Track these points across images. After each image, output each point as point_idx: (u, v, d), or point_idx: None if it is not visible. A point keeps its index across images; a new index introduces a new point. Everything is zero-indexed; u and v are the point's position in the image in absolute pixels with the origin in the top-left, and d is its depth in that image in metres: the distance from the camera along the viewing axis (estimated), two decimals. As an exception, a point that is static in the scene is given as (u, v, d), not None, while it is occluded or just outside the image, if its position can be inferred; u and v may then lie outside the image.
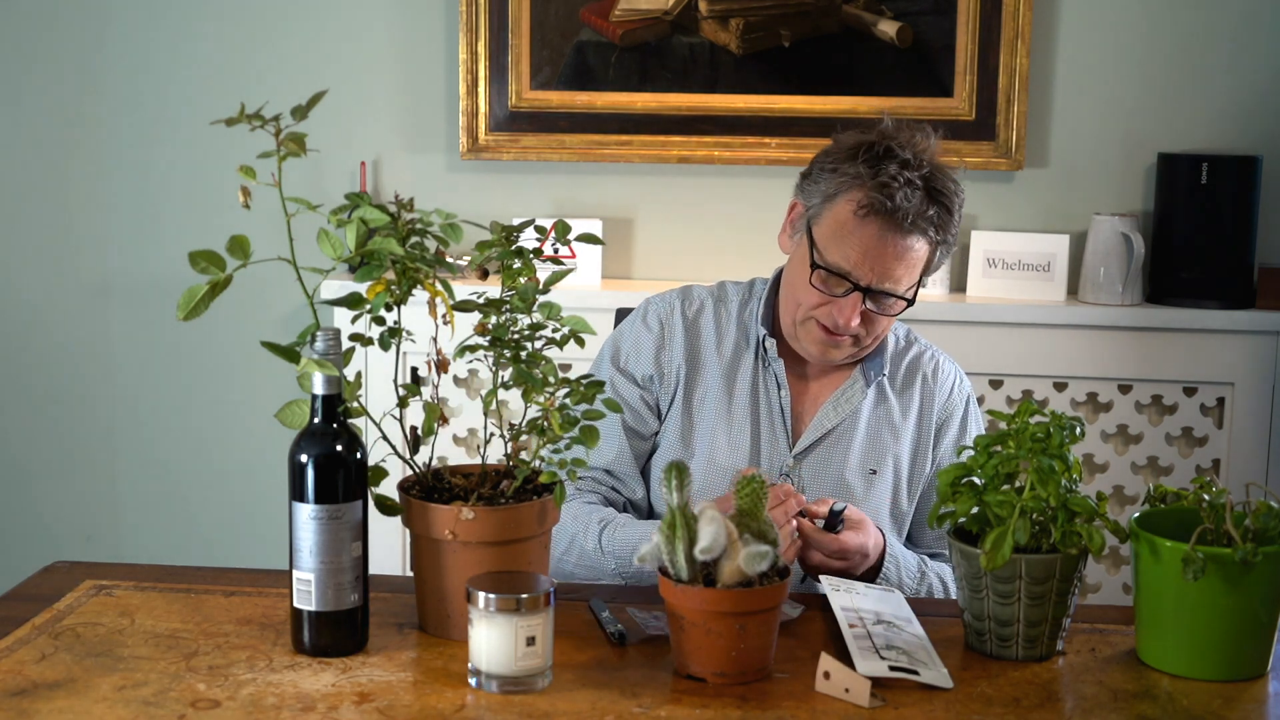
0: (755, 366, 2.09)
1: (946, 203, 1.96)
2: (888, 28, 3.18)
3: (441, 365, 1.67)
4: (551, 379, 1.61)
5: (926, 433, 2.10)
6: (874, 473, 2.06)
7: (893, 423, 2.09)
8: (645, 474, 2.11)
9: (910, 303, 2.00)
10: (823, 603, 1.74)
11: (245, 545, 3.41)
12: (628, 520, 2.00)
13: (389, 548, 2.99)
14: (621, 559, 1.96)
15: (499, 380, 1.63)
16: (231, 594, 1.77)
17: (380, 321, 1.62)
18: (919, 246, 1.96)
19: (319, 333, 1.58)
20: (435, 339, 1.63)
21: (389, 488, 1.65)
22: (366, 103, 3.30)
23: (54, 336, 3.44)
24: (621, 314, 2.31)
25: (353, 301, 1.61)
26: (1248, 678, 1.56)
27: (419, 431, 1.67)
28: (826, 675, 1.50)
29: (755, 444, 2.06)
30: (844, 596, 1.72)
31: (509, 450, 1.66)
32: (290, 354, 1.58)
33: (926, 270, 2.01)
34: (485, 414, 1.64)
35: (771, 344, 2.08)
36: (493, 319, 1.62)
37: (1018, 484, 1.60)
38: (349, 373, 1.61)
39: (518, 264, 1.63)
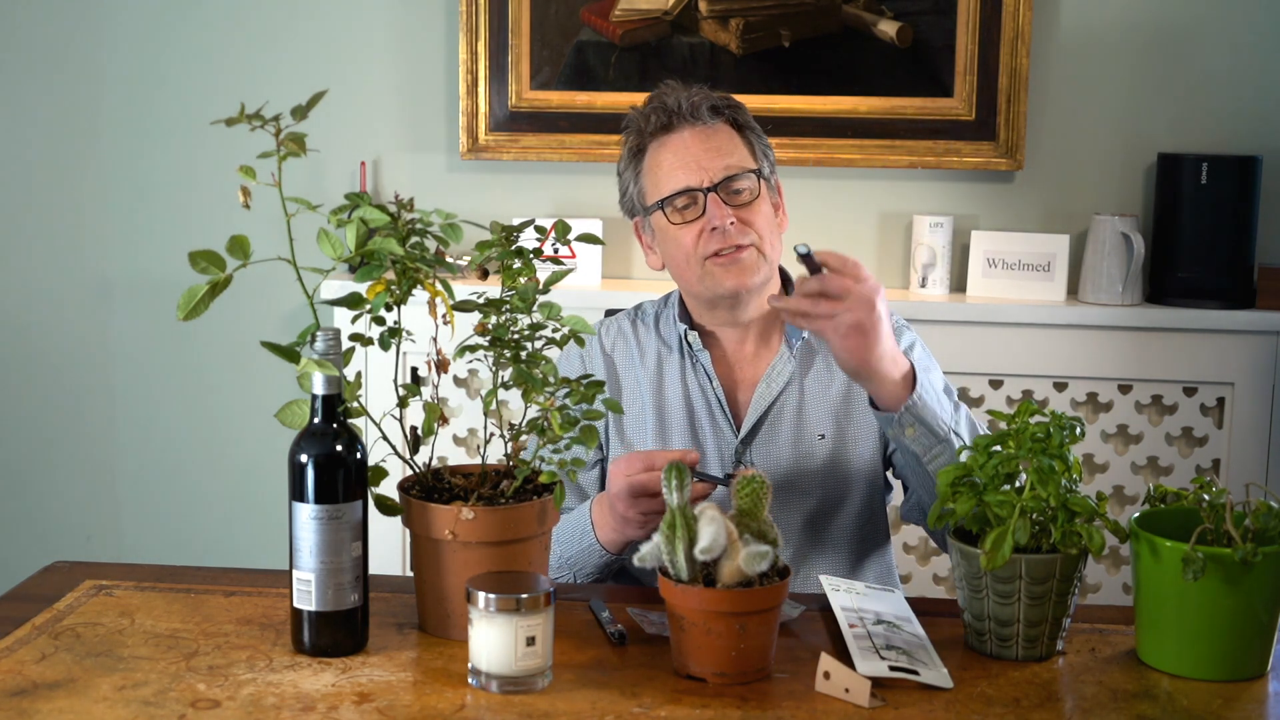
0: (681, 366, 2.11)
1: (721, 94, 2.08)
2: (888, 28, 3.18)
3: (441, 365, 1.67)
4: (551, 379, 1.61)
5: None
6: (823, 437, 2.07)
7: (822, 378, 2.09)
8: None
9: (761, 175, 2.06)
10: (823, 603, 1.74)
11: (245, 545, 3.41)
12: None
13: (389, 548, 2.99)
14: (563, 542, 1.97)
15: (499, 380, 1.63)
16: (231, 594, 1.77)
17: (380, 321, 1.62)
18: (718, 126, 2.06)
19: (319, 333, 1.58)
20: (435, 339, 1.63)
21: (389, 488, 1.65)
22: (366, 103, 3.30)
23: (54, 336, 3.44)
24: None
25: (353, 301, 1.61)
26: (1248, 678, 1.56)
27: (419, 431, 1.67)
28: (826, 675, 1.50)
29: (698, 441, 2.08)
30: (844, 596, 1.73)
31: (509, 450, 1.66)
32: (290, 354, 1.58)
33: (756, 155, 2.07)
34: (485, 414, 1.64)
35: (694, 336, 2.10)
36: (493, 319, 1.62)
37: (1018, 484, 1.60)
38: (349, 373, 1.61)
39: (518, 264, 1.63)
